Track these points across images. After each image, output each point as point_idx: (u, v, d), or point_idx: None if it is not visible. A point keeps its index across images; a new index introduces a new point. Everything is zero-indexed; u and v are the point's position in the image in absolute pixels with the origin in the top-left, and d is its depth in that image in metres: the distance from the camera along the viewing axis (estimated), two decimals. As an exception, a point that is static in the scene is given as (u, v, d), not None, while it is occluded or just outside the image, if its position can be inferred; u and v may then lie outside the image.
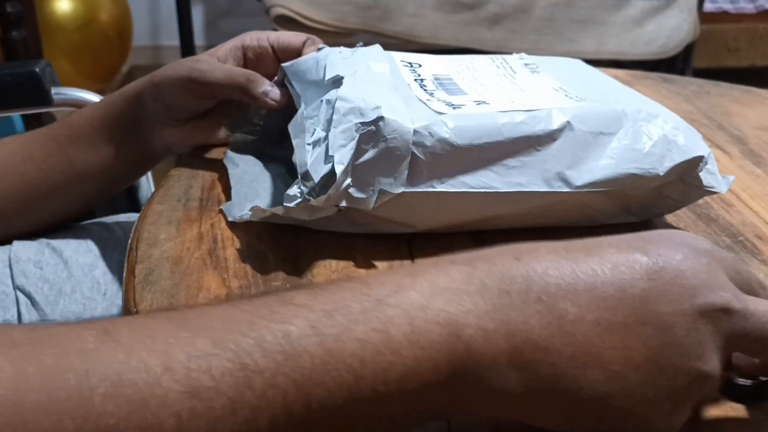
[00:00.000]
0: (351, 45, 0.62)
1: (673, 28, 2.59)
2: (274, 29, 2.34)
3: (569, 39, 2.58)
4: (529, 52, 0.72)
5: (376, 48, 0.62)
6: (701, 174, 0.56)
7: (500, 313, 0.34)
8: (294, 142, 0.52)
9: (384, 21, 2.37)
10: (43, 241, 0.71)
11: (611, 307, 0.35)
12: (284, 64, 0.62)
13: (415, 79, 0.59)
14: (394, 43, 2.41)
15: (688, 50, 2.69)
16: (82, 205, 0.73)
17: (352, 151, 0.49)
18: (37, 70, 0.82)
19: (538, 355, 0.34)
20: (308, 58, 0.60)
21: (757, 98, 0.91)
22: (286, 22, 2.30)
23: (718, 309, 0.35)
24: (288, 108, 0.60)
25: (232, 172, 0.62)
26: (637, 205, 0.57)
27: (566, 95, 0.59)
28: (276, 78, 0.64)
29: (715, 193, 0.57)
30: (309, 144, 0.50)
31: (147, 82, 0.66)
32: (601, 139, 0.54)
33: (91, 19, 2.74)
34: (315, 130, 0.50)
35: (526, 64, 0.67)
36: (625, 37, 2.59)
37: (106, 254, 0.72)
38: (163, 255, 0.52)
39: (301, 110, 0.53)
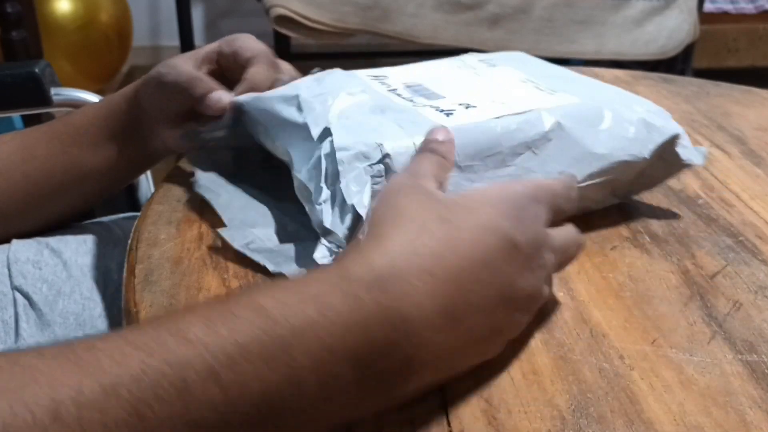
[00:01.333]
0: (351, 44, 0.62)
1: (673, 29, 2.59)
2: (274, 30, 2.34)
3: (569, 39, 2.57)
4: (529, 53, 0.72)
5: (337, 73, 0.60)
6: (677, 149, 0.58)
7: (408, 336, 0.37)
8: (306, 207, 0.52)
9: (384, 21, 2.37)
10: (42, 241, 0.71)
11: (487, 296, 0.40)
12: (241, 98, 0.61)
13: (389, 90, 0.59)
14: (394, 43, 2.41)
15: (687, 51, 2.69)
16: (84, 204, 0.73)
17: (370, 192, 0.49)
18: (37, 70, 0.82)
19: (431, 356, 0.38)
20: (273, 96, 0.58)
21: (757, 99, 0.91)
22: (286, 23, 2.30)
23: (543, 265, 0.44)
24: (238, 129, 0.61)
25: (216, 202, 0.58)
26: (623, 188, 0.60)
27: (536, 87, 0.61)
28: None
29: (692, 165, 0.59)
30: (320, 204, 0.49)
31: (140, 82, 0.66)
32: (590, 132, 0.56)
33: (91, 20, 2.74)
34: (322, 188, 0.50)
35: (481, 60, 0.68)
36: (624, 38, 2.59)
37: (105, 254, 0.72)
38: (163, 255, 0.52)
39: (302, 174, 0.52)
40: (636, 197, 0.63)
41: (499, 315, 0.41)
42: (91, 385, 0.31)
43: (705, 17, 2.79)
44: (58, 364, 0.32)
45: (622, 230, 0.58)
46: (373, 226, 0.41)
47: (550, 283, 0.46)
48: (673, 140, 0.58)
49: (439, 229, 0.40)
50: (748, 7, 3.15)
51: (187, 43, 2.89)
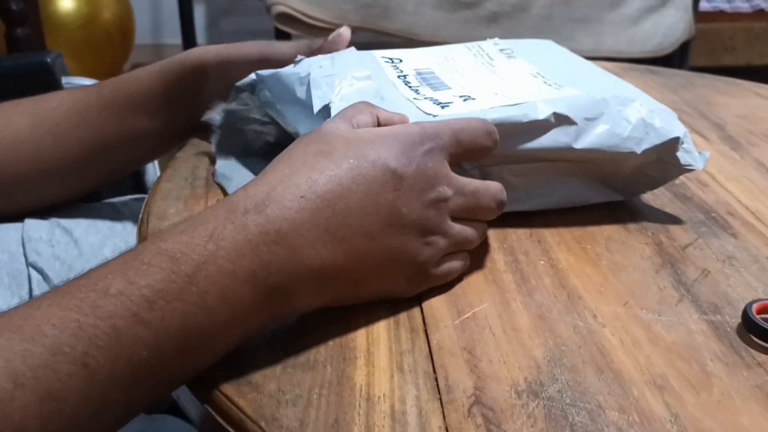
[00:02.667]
0: (351, 42, 0.66)
1: (670, 27, 2.62)
2: (276, 27, 2.37)
3: (567, 37, 2.61)
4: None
5: (352, 52, 0.64)
6: (679, 153, 0.59)
7: (296, 254, 0.42)
8: None
9: (384, 19, 2.40)
10: (53, 220, 0.75)
11: (372, 217, 0.45)
12: (261, 72, 0.63)
13: (398, 76, 0.62)
14: (393, 41, 2.45)
15: (684, 49, 2.72)
16: (132, 166, 0.79)
17: None
18: (49, 60, 0.86)
19: (327, 272, 0.44)
20: (288, 72, 0.60)
21: (740, 89, 0.95)
22: (287, 20, 2.34)
23: (438, 199, 0.48)
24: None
25: (229, 187, 0.62)
26: (619, 182, 0.61)
27: (545, 82, 0.62)
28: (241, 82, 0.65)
29: (693, 170, 0.60)
30: None
31: (212, 58, 0.70)
32: (586, 124, 0.57)
33: (94, 18, 2.78)
34: None
35: (502, 50, 0.70)
36: (622, 36, 2.63)
37: (114, 234, 0.76)
38: (172, 226, 0.56)
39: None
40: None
41: (389, 240, 0.46)
42: (38, 350, 0.35)
43: (701, 16, 2.83)
44: (2, 336, 0.36)
45: (602, 208, 0.62)
46: (264, 170, 0.46)
47: (473, 226, 0.51)
48: (673, 143, 0.59)
49: (318, 161, 0.45)
50: (744, 6, 3.19)
51: (188, 41, 2.93)
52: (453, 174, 0.49)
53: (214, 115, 0.66)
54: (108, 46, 2.86)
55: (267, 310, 0.42)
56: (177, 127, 0.72)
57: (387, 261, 0.46)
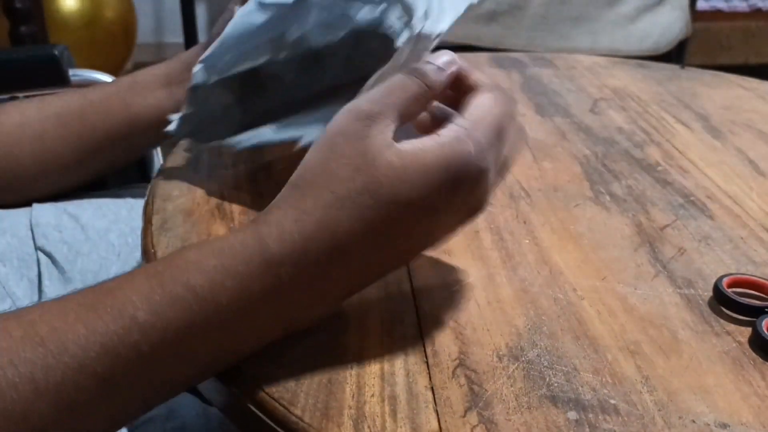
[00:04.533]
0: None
1: (666, 25, 2.65)
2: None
3: (563, 36, 2.63)
4: (525, 49, 0.79)
5: None
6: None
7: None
8: None
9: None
10: (60, 206, 0.78)
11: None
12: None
13: None
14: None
15: (681, 48, 2.75)
16: (133, 154, 0.81)
17: None
18: (56, 52, 0.89)
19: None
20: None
21: (725, 82, 0.98)
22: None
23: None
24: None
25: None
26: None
27: None
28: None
29: None
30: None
31: (207, 40, 0.74)
32: None
33: (97, 16, 2.80)
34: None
35: None
36: (618, 34, 2.65)
37: (119, 220, 0.79)
38: (177, 208, 0.59)
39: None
40: (600, 164, 0.70)
41: (410, 255, 0.47)
42: (61, 367, 0.37)
43: (699, 15, 2.85)
44: (27, 347, 0.38)
45: (586, 192, 0.65)
46: (299, 176, 0.44)
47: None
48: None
49: (358, 202, 0.42)
50: (742, 6, 3.21)
51: (191, 40, 2.96)
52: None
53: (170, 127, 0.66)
54: (110, 44, 2.88)
55: (283, 332, 0.44)
56: (175, 105, 0.75)
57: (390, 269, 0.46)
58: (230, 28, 0.61)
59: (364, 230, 0.42)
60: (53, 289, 0.72)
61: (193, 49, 0.76)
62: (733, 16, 3.19)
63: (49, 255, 0.73)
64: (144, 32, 3.27)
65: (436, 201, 0.43)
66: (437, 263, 0.53)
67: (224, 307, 0.40)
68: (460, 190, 0.43)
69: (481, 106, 0.45)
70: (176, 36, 3.25)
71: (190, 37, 2.99)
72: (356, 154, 0.42)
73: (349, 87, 0.56)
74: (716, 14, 3.20)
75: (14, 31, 2.05)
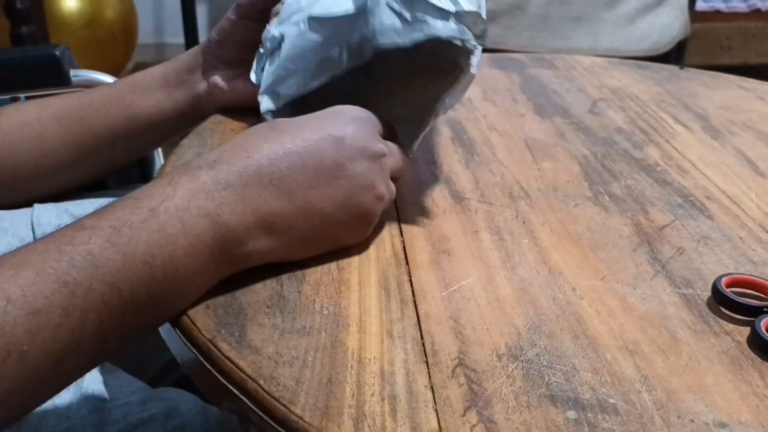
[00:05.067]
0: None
1: (665, 26, 2.64)
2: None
3: (564, 36, 2.63)
4: (525, 49, 0.79)
5: None
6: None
7: (245, 199, 0.48)
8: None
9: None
10: (61, 206, 0.78)
11: (316, 172, 0.51)
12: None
13: None
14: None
15: (680, 48, 2.75)
16: (134, 153, 0.82)
17: None
18: (57, 53, 0.89)
19: (275, 219, 0.49)
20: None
21: (724, 82, 0.98)
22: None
23: (378, 154, 0.53)
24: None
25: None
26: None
27: None
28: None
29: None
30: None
31: (205, 41, 0.78)
32: None
33: (97, 17, 2.81)
34: None
35: None
36: (618, 34, 2.65)
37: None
38: (176, 208, 0.59)
39: None
40: (599, 165, 0.70)
41: (338, 192, 0.52)
42: (25, 273, 0.41)
43: (698, 16, 2.86)
44: None
45: (586, 192, 0.65)
46: (219, 151, 0.51)
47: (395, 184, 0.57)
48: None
49: (266, 134, 0.52)
50: (741, 6, 3.22)
51: (191, 41, 2.96)
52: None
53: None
54: (111, 44, 2.89)
55: (223, 252, 0.47)
56: (174, 105, 0.77)
57: (338, 212, 0.52)
58: (286, 51, 0.64)
59: (270, 144, 0.50)
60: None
61: (192, 51, 0.76)
62: (733, 16, 3.20)
63: (49, 255, 0.73)
64: (144, 33, 3.27)
65: (336, 130, 0.53)
66: (437, 263, 0.53)
67: (158, 202, 0.46)
68: (352, 125, 0.53)
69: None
70: (177, 36, 3.25)
71: (191, 38, 2.99)
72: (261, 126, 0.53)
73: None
74: (715, 15, 3.20)
75: (15, 32, 2.05)
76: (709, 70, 1.03)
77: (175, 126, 0.79)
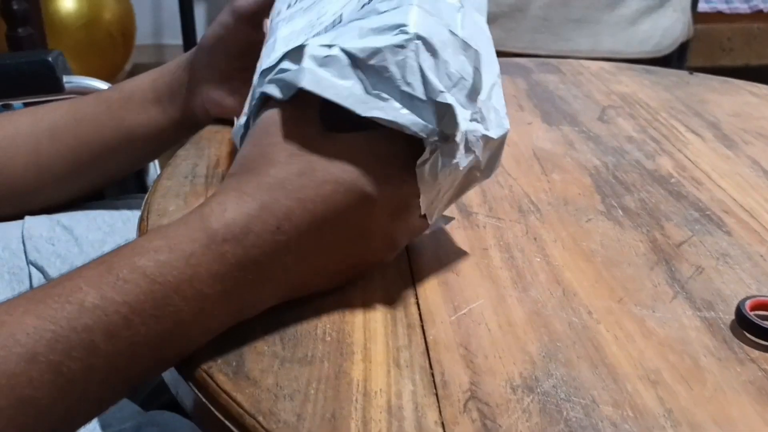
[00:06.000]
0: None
1: (668, 28, 2.63)
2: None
3: (565, 38, 2.61)
4: (525, 51, 0.77)
5: None
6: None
7: (265, 274, 0.44)
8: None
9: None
10: (54, 218, 0.75)
11: (336, 238, 0.46)
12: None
13: None
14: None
15: (682, 50, 2.73)
16: (131, 167, 0.79)
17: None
18: (50, 58, 0.87)
19: (294, 292, 0.46)
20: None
21: (734, 88, 0.96)
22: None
23: (409, 208, 0.48)
24: None
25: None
26: None
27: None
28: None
29: None
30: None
31: (192, 51, 0.74)
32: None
33: (95, 18, 2.78)
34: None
35: None
36: (620, 36, 2.64)
37: (114, 232, 0.76)
38: (172, 224, 0.57)
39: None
40: (611, 176, 0.68)
41: (357, 255, 0.48)
42: (13, 357, 0.36)
43: (700, 17, 2.83)
44: None
45: (598, 205, 0.63)
46: (238, 166, 0.46)
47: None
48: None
49: (297, 184, 0.44)
50: (743, 7, 3.20)
51: (189, 42, 2.94)
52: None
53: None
54: (109, 46, 2.87)
55: (233, 320, 0.44)
56: (170, 120, 0.74)
57: (351, 268, 0.49)
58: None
59: (302, 210, 0.44)
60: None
61: (182, 63, 0.73)
62: (734, 17, 3.18)
63: (41, 269, 0.71)
64: (143, 34, 3.25)
65: (366, 186, 0.45)
66: (445, 283, 0.51)
67: (172, 287, 0.40)
68: (389, 180, 0.46)
69: None
70: (175, 38, 3.23)
71: (189, 39, 2.97)
72: (291, 139, 0.46)
73: None
74: (717, 16, 3.18)
75: (11, 34, 2.02)
76: (711, 72, 1.01)
77: (173, 139, 0.76)
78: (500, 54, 0.62)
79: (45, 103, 0.80)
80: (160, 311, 0.40)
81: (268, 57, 0.54)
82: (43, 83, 0.87)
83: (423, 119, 0.45)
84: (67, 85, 0.89)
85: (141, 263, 0.40)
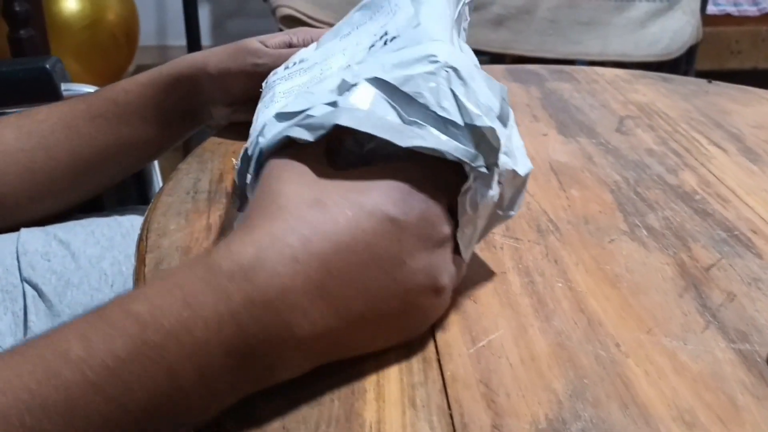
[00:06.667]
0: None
1: (677, 30, 2.60)
2: (280, 29, 2.35)
3: (573, 41, 2.59)
4: (534, 53, 0.74)
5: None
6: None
7: (281, 318, 0.38)
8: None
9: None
10: (51, 231, 0.72)
11: (366, 271, 0.40)
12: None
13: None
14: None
15: (690, 52, 2.70)
16: (124, 174, 0.77)
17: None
18: (48, 66, 0.84)
19: (315, 342, 0.39)
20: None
21: (755, 97, 0.92)
22: (292, 22, 2.32)
23: (444, 239, 0.43)
24: None
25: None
26: None
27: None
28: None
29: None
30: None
31: (199, 69, 0.70)
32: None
33: (99, 19, 2.76)
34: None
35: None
36: (628, 39, 2.61)
37: (113, 246, 0.73)
38: (173, 245, 0.54)
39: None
40: (632, 192, 0.65)
41: (394, 298, 0.41)
42: None
43: (708, 19, 2.80)
44: None
45: (620, 224, 0.59)
46: (246, 218, 0.41)
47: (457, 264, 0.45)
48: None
49: (311, 213, 0.39)
50: (751, 10, 3.16)
51: (193, 43, 2.91)
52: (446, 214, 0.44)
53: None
54: (112, 47, 2.84)
55: (245, 384, 0.38)
56: (171, 133, 0.73)
57: (392, 320, 0.42)
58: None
59: (321, 239, 0.39)
60: (40, 324, 0.67)
61: (185, 75, 0.71)
62: (743, 20, 3.15)
63: (35, 287, 0.68)
64: (146, 35, 3.23)
65: (390, 208, 0.41)
66: (462, 311, 0.48)
67: (166, 333, 0.35)
68: (413, 202, 0.41)
69: None
70: (179, 39, 3.21)
71: (193, 40, 2.94)
72: (298, 176, 0.42)
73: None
74: (726, 18, 3.15)
75: (13, 36, 2.00)
76: (719, 75, 0.98)
77: (168, 145, 0.74)
78: (508, 57, 0.59)
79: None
80: (151, 364, 0.34)
81: (266, 109, 0.51)
82: (40, 91, 0.84)
83: (462, 145, 0.42)
84: (65, 93, 0.86)
85: (134, 308, 0.35)
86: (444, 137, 0.42)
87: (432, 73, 0.43)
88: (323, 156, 0.43)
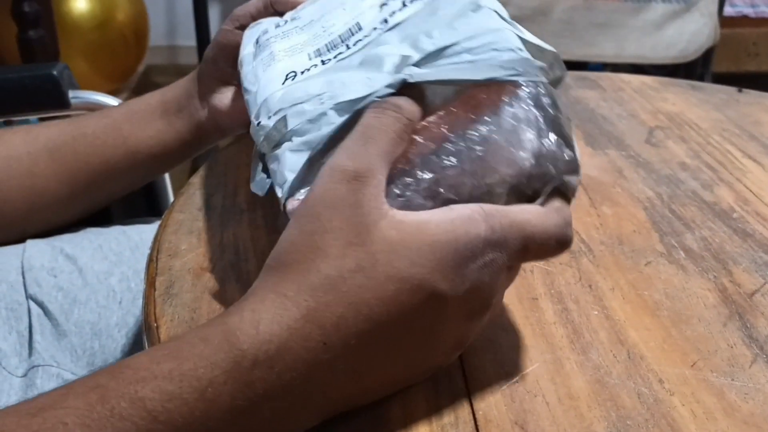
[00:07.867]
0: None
1: (694, 33, 2.56)
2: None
3: (589, 43, 2.55)
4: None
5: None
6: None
7: (304, 398, 0.36)
8: None
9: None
10: (57, 246, 0.70)
11: (397, 342, 0.37)
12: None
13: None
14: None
15: (707, 55, 2.66)
16: (132, 185, 0.73)
17: None
18: (55, 72, 0.81)
19: (337, 405, 0.38)
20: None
21: (789, 107, 0.89)
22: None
23: (486, 309, 0.40)
24: None
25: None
26: None
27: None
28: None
29: None
30: None
31: (200, 65, 0.68)
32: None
33: (108, 19, 2.74)
34: None
35: None
36: (645, 41, 2.57)
37: (122, 261, 0.70)
38: (185, 266, 0.51)
39: None
40: (667, 209, 0.61)
41: (417, 365, 0.39)
42: None
43: (725, 21, 2.76)
44: None
45: (656, 245, 0.56)
46: (278, 256, 0.37)
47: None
48: None
49: (351, 282, 0.35)
50: (769, 11, 3.12)
51: (203, 43, 2.88)
52: (500, 282, 0.40)
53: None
54: (122, 47, 2.82)
55: None
56: (176, 134, 0.68)
57: (406, 380, 0.40)
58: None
59: (356, 317, 0.35)
60: (45, 344, 0.64)
61: (189, 76, 0.68)
62: (760, 22, 3.11)
63: (41, 305, 0.65)
64: (156, 35, 3.20)
65: (440, 282, 0.36)
66: (492, 342, 0.45)
67: (179, 427, 0.32)
68: (467, 275, 0.37)
69: (528, 210, 0.39)
70: (189, 39, 3.18)
71: (203, 40, 2.91)
72: (346, 225, 0.36)
73: None
74: (743, 20, 3.11)
75: (22, 36, 1.97)
76: (736, 77, 0.94)
77: (178, 156, 0.70)
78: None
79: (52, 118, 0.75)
80: None
81: (267, 67, 0.50)
82: (47, 98, 0.81)
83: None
84: (73, 101, 0.83)
85: (143, 393, 0.32)
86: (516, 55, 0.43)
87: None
88: (382, 188, 0.38)
